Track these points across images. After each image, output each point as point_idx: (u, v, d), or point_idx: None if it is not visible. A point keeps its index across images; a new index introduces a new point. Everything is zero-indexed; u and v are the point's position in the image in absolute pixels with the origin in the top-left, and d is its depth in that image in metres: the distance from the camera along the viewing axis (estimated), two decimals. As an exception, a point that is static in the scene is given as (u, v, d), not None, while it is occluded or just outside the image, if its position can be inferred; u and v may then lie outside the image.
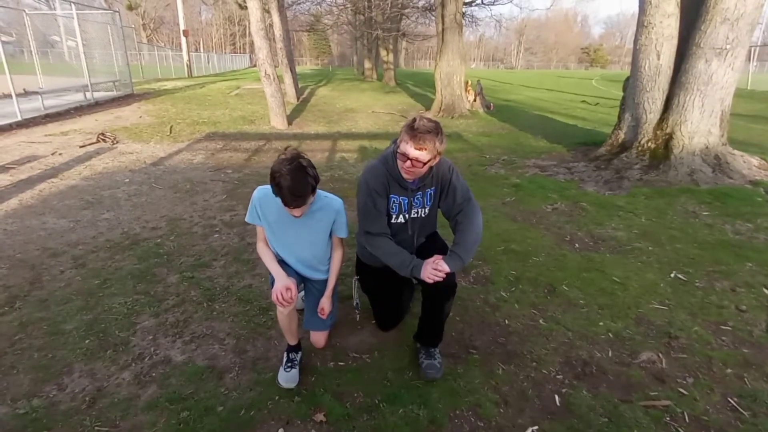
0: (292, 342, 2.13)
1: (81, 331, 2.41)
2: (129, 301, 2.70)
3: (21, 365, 2.13)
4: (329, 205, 2.06)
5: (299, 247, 2.10)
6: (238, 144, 7.58)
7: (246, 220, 2.07)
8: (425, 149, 1.82)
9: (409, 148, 1.83)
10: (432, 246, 2.21)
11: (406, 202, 2.08)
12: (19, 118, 8.14)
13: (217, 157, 6.54)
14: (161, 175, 5.52)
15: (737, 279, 3.02)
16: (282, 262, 2.11)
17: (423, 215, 2.15)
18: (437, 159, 1.91)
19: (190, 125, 9.05)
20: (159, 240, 3.59)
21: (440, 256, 1.98)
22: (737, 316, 2.60)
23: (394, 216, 2.11)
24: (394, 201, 2.07)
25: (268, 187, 1.87)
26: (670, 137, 5.38)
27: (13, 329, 2.40)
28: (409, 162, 1.85)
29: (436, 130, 1.83)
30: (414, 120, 1.85)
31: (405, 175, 1.96)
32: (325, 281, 2.21)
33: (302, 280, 2.22)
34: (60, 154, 6.36)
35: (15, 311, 2.58)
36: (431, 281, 1.91)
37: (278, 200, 1.83)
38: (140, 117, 9.80)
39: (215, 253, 3.37)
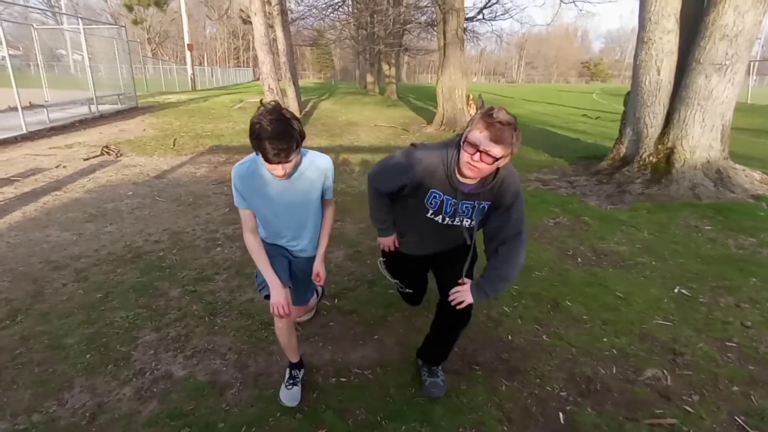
0: (294, 359, 2.11)
1: (82, 345, 2.40)
2: (131, 315, 2.69)
3: (21, 380, 2.12)
4: (317, 164, 1.85)
5: (289, 216, 1.91)
6: (240, 157, 7.56)
7: (235, 204, 1.88)
8: (501, 144, 1.55)
9: (483, 138, 1.56)
10: (457, 260, 1.97)
11: (450, 202, 1.80)
12: (24, 131, 8.21)
13: (219, 170, 6.57)
14: (164, 188, 5.55)
15: (741, 294, 3.00)
16: (271, 246, 2.00)
17: (466, 226, 1.88)
18: (507, 160, 1.65)
19: (194, 138, 9.12)
20: (161, 253, 3.59)
21: (468, 282, 1.85)
22: (742, 333, 2.58)
23: (431, 212, 1.86)
24: (435, 196, 1.80)
25: (245, 160, 1.78)
26: (671, 152, 5.40)
27: (15, 343, 2.40)
28: (478, 154, 1.58)
29: (515, 124, 1.58)
30: (491, 109, 1.58)
31: (466, 172, 1.65)
32: (312, 258, 2.04)
33: (289, 265, 2.07)
34: (64, 166, 6.40)
35: (16, 325, 2.57)
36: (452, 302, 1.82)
37: (260, 170, 1.71)
38: (144, 130, 9.87)
39: (217, 267, 3.37)
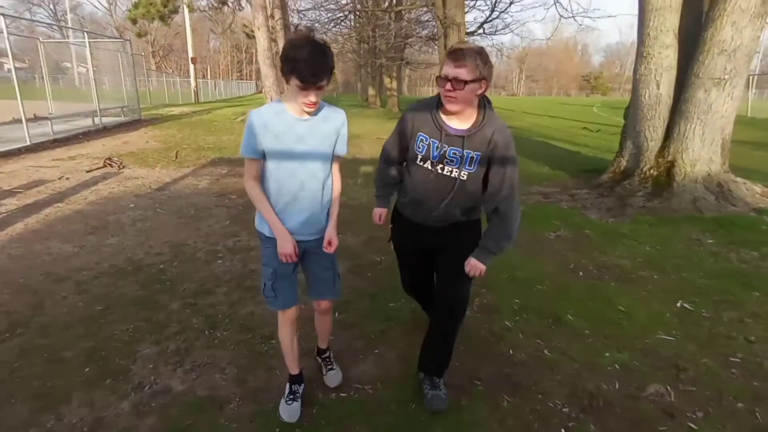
0: (294, 371, 2.09)
1: (81, 358, 2.38)
2: (130, 328, 2.68)
3: (19, 394, 2.11)
4: (336, 111, 1.83)
5: (305, 164, 1.79)
6: (242, 170, 7.60)
7: (241, 153, 1.78)
8: (464, 66, 1.66)
9: (448, 67, 1.69)
10: (458, 255, 2.00)
11: (435, 145, 1.84)
12: (28, 143, 8.28)
13: (221, 182, 6.59)
14: (166, 200, 5.57)
15: (745, 309, 2.98)
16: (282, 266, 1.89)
17: (461, 177, 1.86)
18: (483, 86, 1.73)
19: (196, 150, 9.17)
20: (162, 266, 3.59)
21: (470, 259, 1.95)
22: (746, 348, 2.56)
23: (419, 157, 1.91)
24: (421, 140, 1.88)
25: (265, 105, 1.75)
26: (672, 165, 5.41)
27: (13, 357, 2.38)
28: (449, 83, 1.69)
29: (478, 49, 1.69)
30: (455, 43, 1.76)
31: (447, 106, 1.77)
32: (320, 240, 1.91)
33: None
34: (67, 178, 6.44)
35: (16, 338, 2.56)
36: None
37: (282, 112, 1.69)
38: (147, 142, 9.94)
39: (218, 280, 3.36)
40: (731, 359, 2.45)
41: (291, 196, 1.80)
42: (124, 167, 7.38)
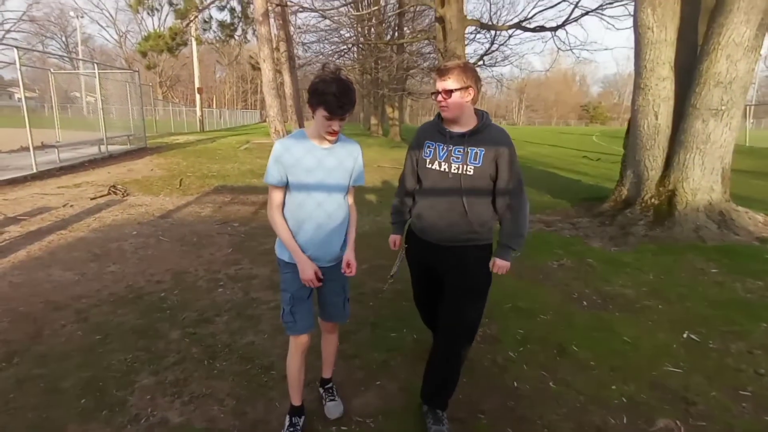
0: (297, 401, 2.06)
1: (78, 389, 2.34)
2: (129, 358, 2.64)
3: (13, 426, 2.06)
4: (351, 142, 1.98)
5: (325, 190, 1.90)
6: (246, 197, 7.70)
7: (265, 180, 1.88)
8: (449, 77, 1.90)
9: (437, 82, 1.96)
10: (470, 261, 2.09)
11: (441, 147, 2.04)
12: (35, 171, 8.38)
13: (224, 210, 6.63)
14: (169, 227, 5.58)
15: (753, 340, 2.93)
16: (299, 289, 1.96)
17: (468, 173, 1.99)
18: (470, 92, 1.94)
19: (200, 178, 9.26)
20: (163, 294, 3.57)
21: (494, 260, 2.09)
22: (756, 381, 2.50)
23: (428, 161, 2.08)
24: (428, 146, 2.09)
25: (287, 137, 1.92)
26: (673, 194, 5.43)
27: (9, 387, 2.35)
28: (440, 95, 1.95)
29: (462, 63, 1.95)
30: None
31: (443, 114, 2.01)
32: (336, 266, 1.99)
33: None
34: (71, 206, 6.48)
35: (13, 367, 2.53)
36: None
37: (304, 141, 1.85)
38: (152, 170, 10.05)
39: (219, 309, 3.34)
40: (741, 392, 2.40)
41: (313, 224, 1.90)
42: (128, 195, 7.44)
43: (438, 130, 2.07)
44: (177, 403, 2.26)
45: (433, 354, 2.17)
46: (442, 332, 2.12)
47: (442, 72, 1.94)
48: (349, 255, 1.98)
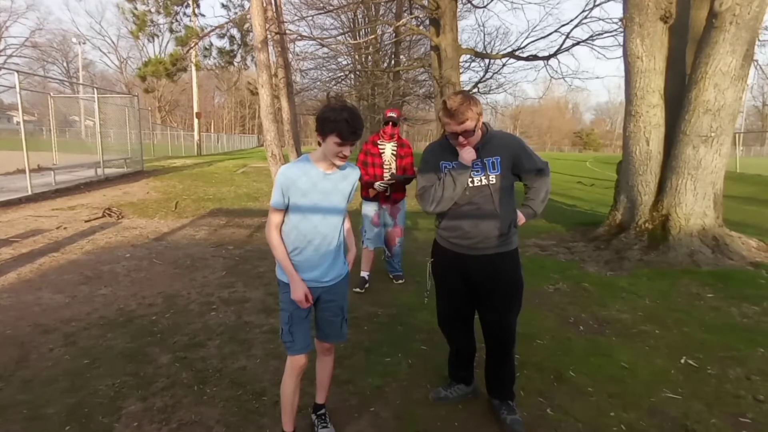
0: (288, 428, 2.02)
1: (62, 415, 2.27)
2: (117, 383, 2.58)
3: (-7, 455, 1.99)
4: (352, 167, 2.06)
5: (327, 217, 1.96)
6: (241, 220, 7.69)
7: (271, 204, 1.97)
8: (466, 119, 1.99)
9: (454, 127, 2.02)
10: (501, 271, 2.23)
11: (459, 165, 2.13)
12: (29, 193, 8.35)
13: (219, 233, 6.60)
14: (163, 250, 5.54)
15: (751, 366, 2.90)
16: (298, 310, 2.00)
17: (491, 183, 2.14)
18: (480, 118, 2.05)
19: (196, 201, 9.25)
20: (154, 317, 3.51)
21: (518, 213, 2.27)
22: (756, 407, 2.46)
23: None
24: (445, 166, 2.17)
25: (292, 163, 1.98)
26: (666, 219, 5.46)
27: (-9, 413, 2.28)
28: (461, 137, 2.04)
29: (467, 99, 2.01)
30: (445, 102, 2.03)
31: (463, 150, 2.09)
32: (334, 285, 2.05)
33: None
34: (65, 228, 6.43)
35: (-4, 393, 2.46)
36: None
37: (308, 168, 1.92)
38: (147, 193, 10.04)
39: (210, 332, 3.28)
40: (741, 419, 2.36)
41: (312, 246, 1.96)
42: (122, 217, 7.41)
43: (450, 151, 2.17)
44: (164, 430, 2.19)
45: (488, 358, 2.39)
46: (490, 342, 2.33)
47: (456, 117, 1.99)
48: (350, 258, 2.15)
